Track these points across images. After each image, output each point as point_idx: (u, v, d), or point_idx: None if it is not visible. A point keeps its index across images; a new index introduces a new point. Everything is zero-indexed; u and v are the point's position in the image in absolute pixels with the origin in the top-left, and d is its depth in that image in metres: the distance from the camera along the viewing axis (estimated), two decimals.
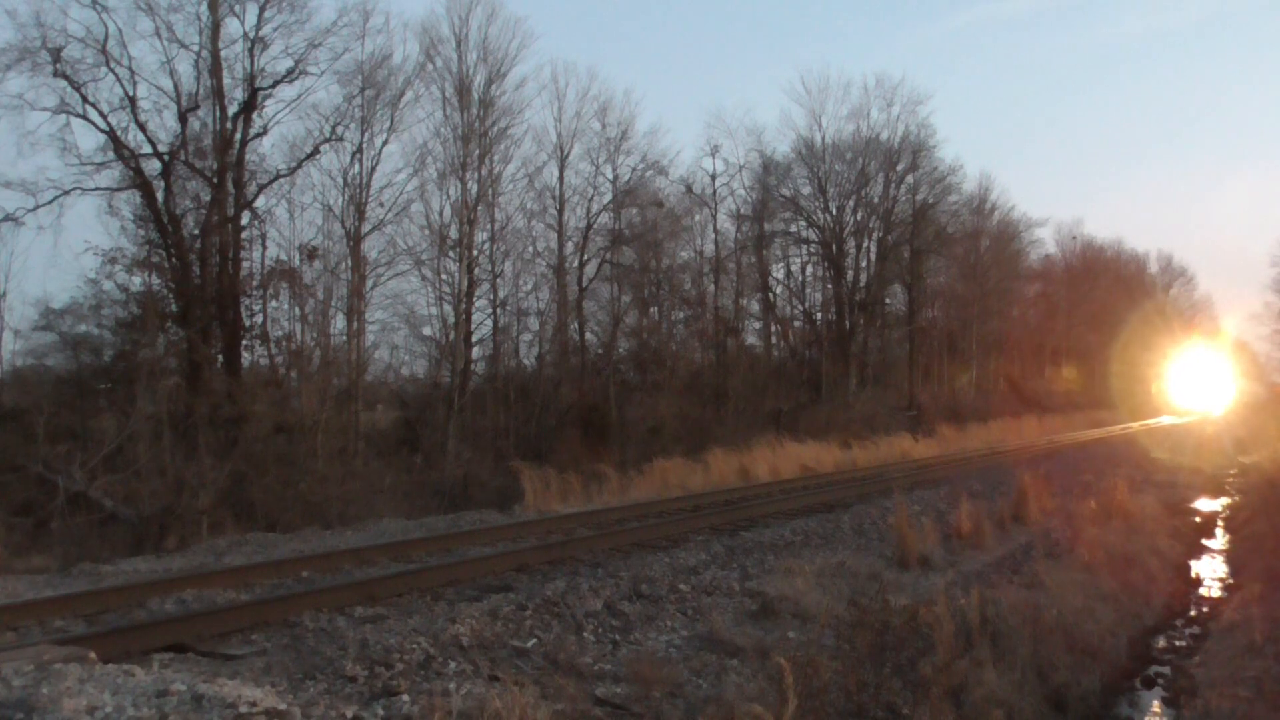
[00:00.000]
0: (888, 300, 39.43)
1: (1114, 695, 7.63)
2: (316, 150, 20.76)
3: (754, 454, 18.90)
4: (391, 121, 22.53)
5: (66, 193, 17.69)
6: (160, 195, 18.18)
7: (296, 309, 21.20)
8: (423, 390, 23.44)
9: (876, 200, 37.92)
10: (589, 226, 27.37)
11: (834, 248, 35.88)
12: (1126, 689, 7.90)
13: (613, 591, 7.00)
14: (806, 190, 36.39)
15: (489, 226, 24.92)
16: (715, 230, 32.95)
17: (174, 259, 18.31)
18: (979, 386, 45.91)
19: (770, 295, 35.39)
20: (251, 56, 19.57)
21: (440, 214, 23.98)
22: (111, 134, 17.85)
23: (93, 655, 4.72)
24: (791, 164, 36.35)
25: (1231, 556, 13.22)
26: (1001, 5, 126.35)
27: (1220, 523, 16.31)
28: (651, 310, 30.00)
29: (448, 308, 23.69)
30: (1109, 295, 60.31)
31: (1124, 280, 72.37)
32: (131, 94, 18.04)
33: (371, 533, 11.08)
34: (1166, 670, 8.35)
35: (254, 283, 20.35)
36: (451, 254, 23.88)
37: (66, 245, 26.29)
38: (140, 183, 18.10)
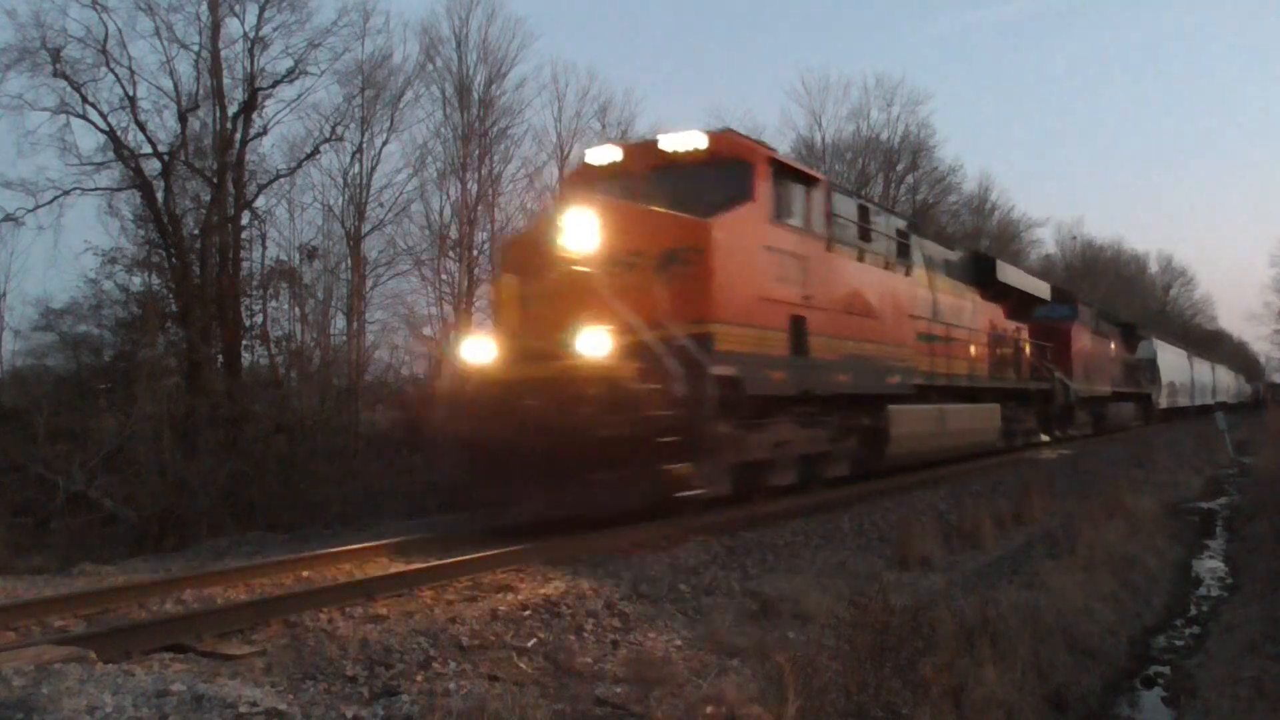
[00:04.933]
0: None
1: (1114, 695, 7.63)
2: (316, 150, 20.82)
3: None
4: (391, 121, 22.62)
5: (66, 193, 17.74)
6: (160, 195, 18.21)
7: (296, 309, 21.24)
8: (423, 390, 23.43)
9: (876, 199, 38.00)
10: None
11: None
12: (1126, 689, 7.91)
13: (613, 591, 7.00)
14: None
15: (489, 226, 24.97)
16: None
17: (174, 259, 18.33)
18: None
19: None
20: (251, 56, 19.63)
21: (440, 214, 24.05)
22: (111, 134, 17.90)
23: (93, 655, 4.73)
24: None
25: (1231, 556, 13.23)
26: (1002, 7, 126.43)
27: (1220, 523, 16.32)
28: None
29: (448, 308, 23.73)
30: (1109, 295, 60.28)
31: (1124, 280, 72.42)
32: (131, 94, 18.09)
33: (371, 533, 11.08)
34: (1166, 670, 8.35)
35: (254, 283, 20.39)
36: (451, 254, 23.93)
37: (66, 245, 26.39)
38: (140, 183, 18.13)
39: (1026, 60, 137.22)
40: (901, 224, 15.40)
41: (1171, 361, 43.52)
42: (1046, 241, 67.06)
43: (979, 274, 18.92)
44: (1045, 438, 23.75)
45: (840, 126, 38.74)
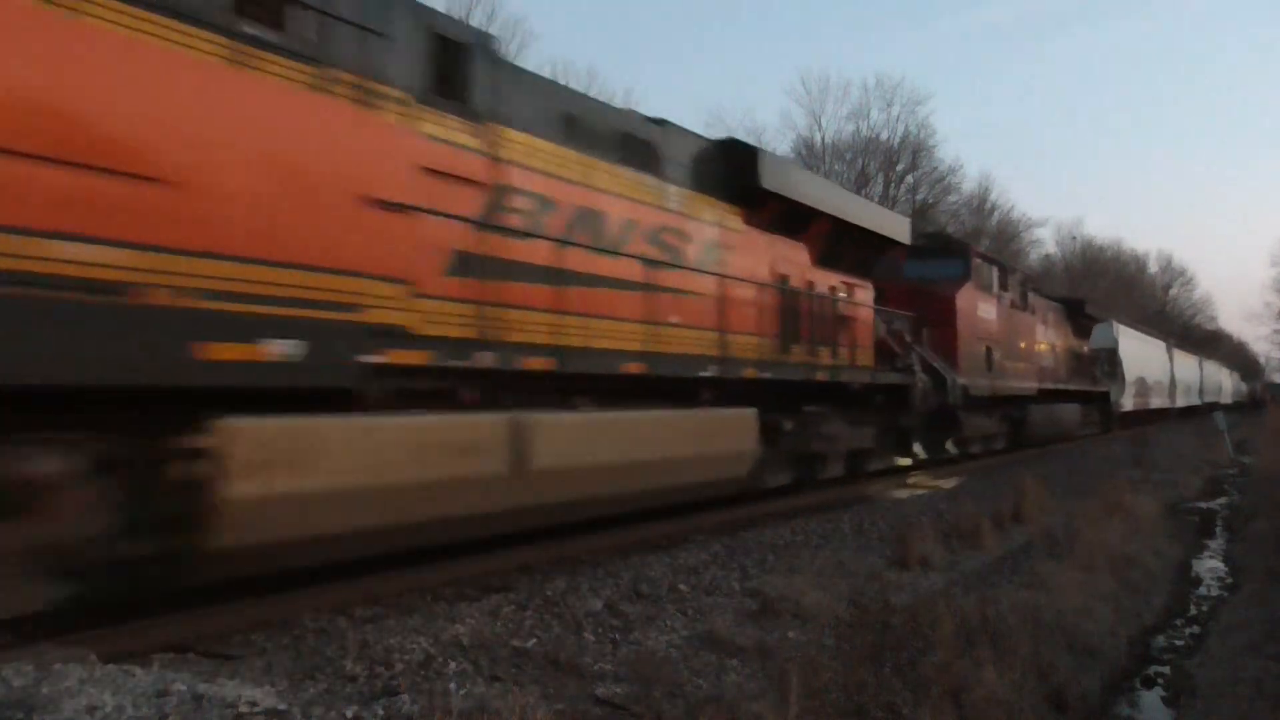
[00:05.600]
0: None
1: (1114, 695, 7.64)
2: None
3: None
4: None
5: None
6: None
7: None
8: None
9: (876, 200, 38.11)
10: None
11: None
12: (1126, 689, 7.91)
13: (613, 591, 7.00)
14: None
15: None
16: None
17: None
18: None
19: None
20: None
21: None
22: None
23: (93, 655, 4.72)
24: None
25: (1231, 556, 13.24)
26: (1002, 8, 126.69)
27: (1220, 523, 16.33)
28: None
29: None
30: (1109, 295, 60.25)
31: (1124, 280, 72.43)
32: None
33: None
34: (1166, 670, 8.36)
35: None
36: None
37: None
38: None
39: (1026, 60, 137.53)
40: (456, 36, 7.42)
41: (1141, 352, 34.54)
42: (1046, 241, 67.18)
43: (734, 178, 10.69)
44: (905, 460, 16.17)
45: (840, 126, 38.96)
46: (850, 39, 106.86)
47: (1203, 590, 11.56)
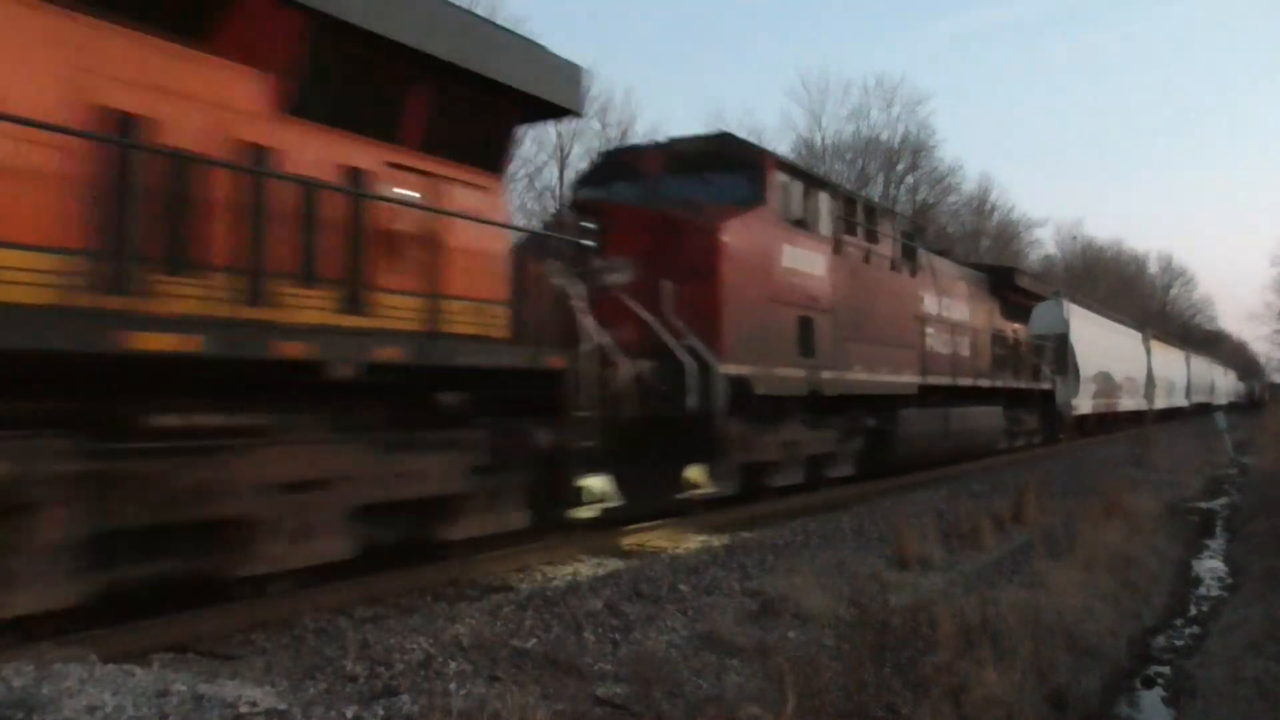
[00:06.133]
0: None
1: (1114, 695, 7.63)
2: None
3: None
4: None
5: None
6: None
7: None
8: None
9: (876, 200, 38.19)
10: None
11: None
12: (1126, 689, 7.91)
13: (613, 591, 7.00)
14: None
15: None
16: None
17: None
18: None
19: None
20: None
21: None
22: None
23: (93, 655, 4.72)
24: None
25: (1231, 556, 13.23)
26: (1002, 7, 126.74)
27: (1220, 523, 16.32)
28: None
29: None
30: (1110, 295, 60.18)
31: (1124, 280, 72.45)
32: None
33: None
34: (1166, 670, 8.35)
35: None
36: None
37: None
38: None
39: (1026, 60, 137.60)
40: None
41: (1104, 340, 27.87)
42: (1046, 241, 67.24)
43: None
44: (586, 511, 9.18)
45: (840, 127, 38.95)
46: (850, 39, 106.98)
47: (1203, 590, 11.55)
